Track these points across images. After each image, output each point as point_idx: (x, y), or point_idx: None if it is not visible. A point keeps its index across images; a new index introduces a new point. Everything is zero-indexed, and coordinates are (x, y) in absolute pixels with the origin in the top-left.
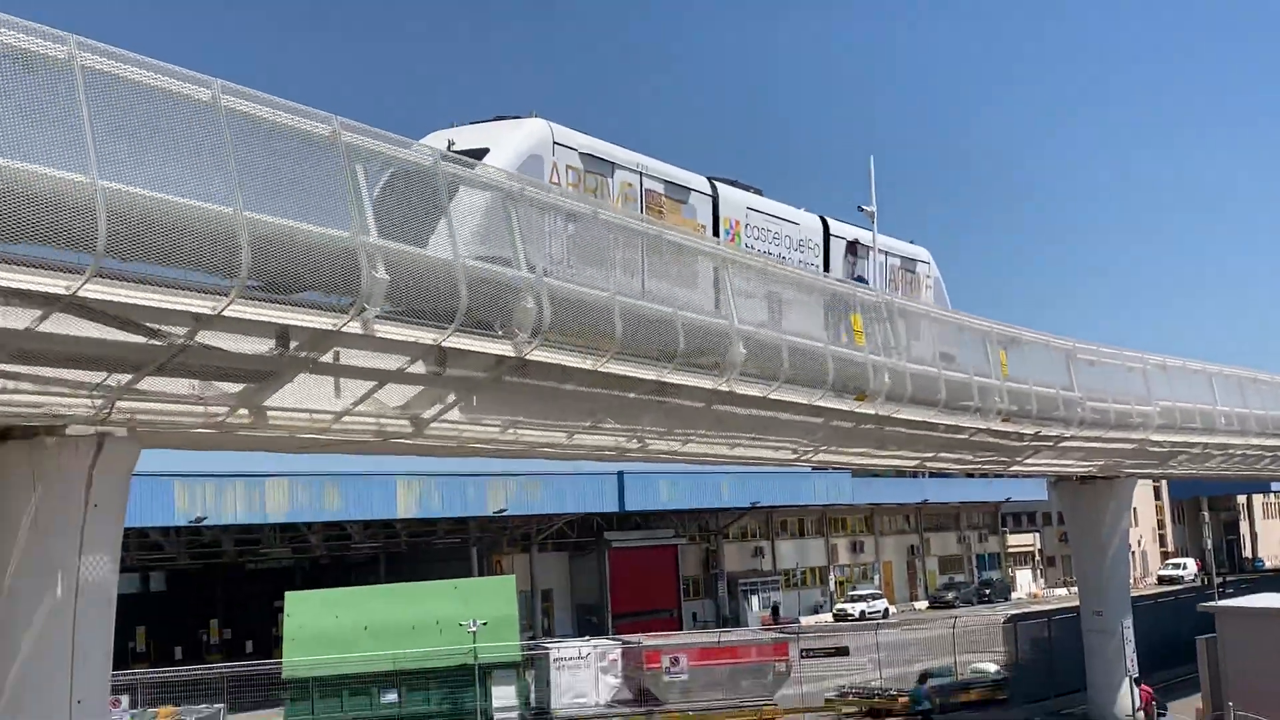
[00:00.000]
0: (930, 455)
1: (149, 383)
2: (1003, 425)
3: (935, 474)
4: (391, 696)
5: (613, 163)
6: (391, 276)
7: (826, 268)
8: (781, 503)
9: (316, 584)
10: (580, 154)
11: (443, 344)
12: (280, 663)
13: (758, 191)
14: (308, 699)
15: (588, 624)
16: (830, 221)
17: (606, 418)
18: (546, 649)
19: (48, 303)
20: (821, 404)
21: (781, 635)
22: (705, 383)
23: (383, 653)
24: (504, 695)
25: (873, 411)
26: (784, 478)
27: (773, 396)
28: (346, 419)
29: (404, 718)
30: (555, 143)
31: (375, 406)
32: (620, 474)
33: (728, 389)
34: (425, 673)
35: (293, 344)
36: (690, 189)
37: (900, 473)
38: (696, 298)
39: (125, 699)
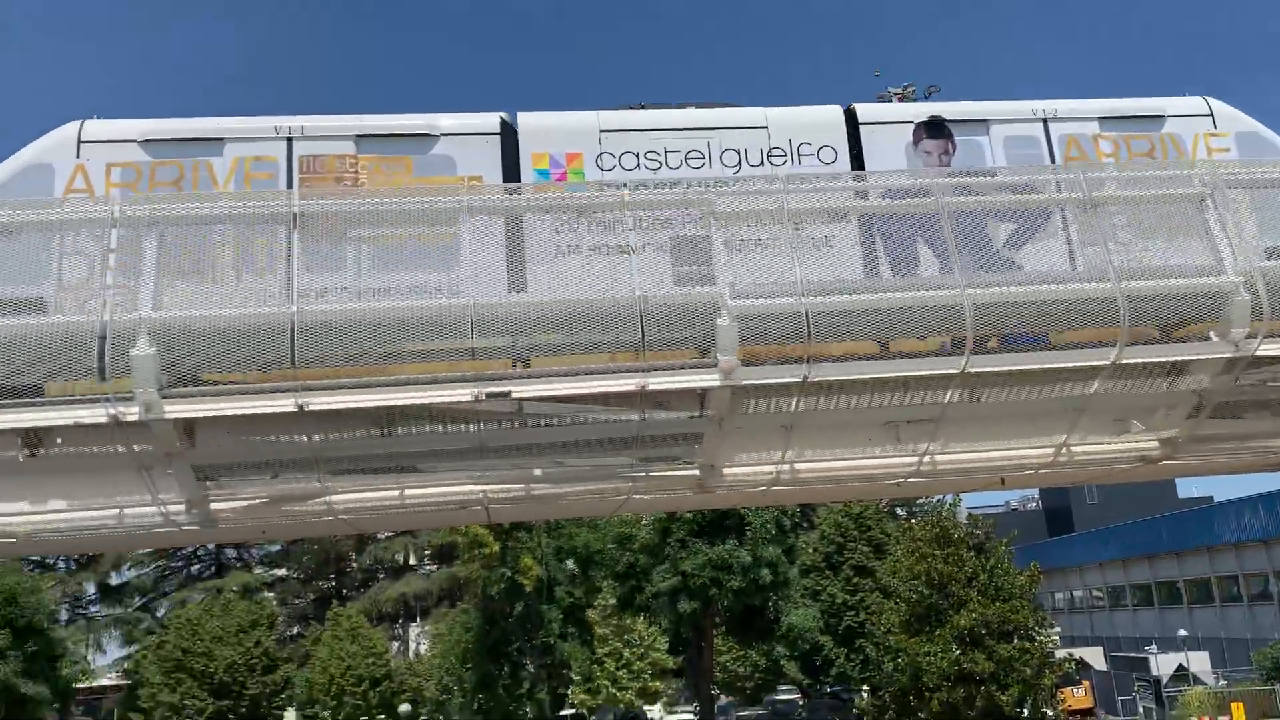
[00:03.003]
0: None
1: None
2: None
3: None
4: None
5: (219, 139)
6: None
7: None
8: None
9: None
10: (143, 143)
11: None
12: None
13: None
14: None
15: None
16: (861, 108)
17: None
18: None
19: None
20: None
21: None
22: None
23: None
24: None
25: None
26: None
27: None
28: None
29: None
30: (84, 141)
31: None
32: None
33: None
34: None
35: None
36: (431, 135)
37: None
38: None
39: None
